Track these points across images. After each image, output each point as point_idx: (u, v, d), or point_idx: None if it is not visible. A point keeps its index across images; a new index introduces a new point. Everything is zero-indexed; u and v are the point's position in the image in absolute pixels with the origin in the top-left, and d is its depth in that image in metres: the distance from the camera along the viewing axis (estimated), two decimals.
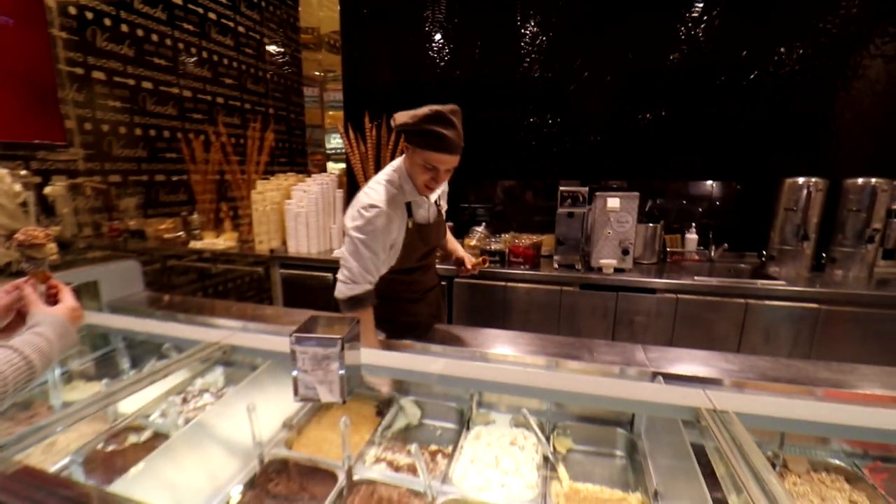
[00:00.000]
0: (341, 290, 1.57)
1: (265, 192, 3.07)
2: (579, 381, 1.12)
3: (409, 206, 1.61)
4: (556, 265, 2.79)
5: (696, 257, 2.98)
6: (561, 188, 2.73)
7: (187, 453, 1.10)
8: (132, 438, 1.36)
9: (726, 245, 2.95)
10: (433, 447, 1.33)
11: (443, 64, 3.49)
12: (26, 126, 1.84)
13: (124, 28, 2.35)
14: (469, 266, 1.87)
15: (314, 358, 0.81)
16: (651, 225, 2.86)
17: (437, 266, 2.11)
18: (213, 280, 3.26)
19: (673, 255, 3.00)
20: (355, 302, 1.55)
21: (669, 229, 3.07)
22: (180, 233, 3.46)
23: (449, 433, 1.43)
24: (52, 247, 0.96)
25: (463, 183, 3.64)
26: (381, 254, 1.55)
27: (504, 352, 1.43)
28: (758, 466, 0.70)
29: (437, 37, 3.48)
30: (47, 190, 2.81)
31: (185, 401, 1.58)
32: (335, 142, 3.94)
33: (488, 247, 2.83)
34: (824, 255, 2.69)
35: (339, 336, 0.81)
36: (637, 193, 2.62)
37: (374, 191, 1.54)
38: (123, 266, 1.99)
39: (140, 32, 2.46)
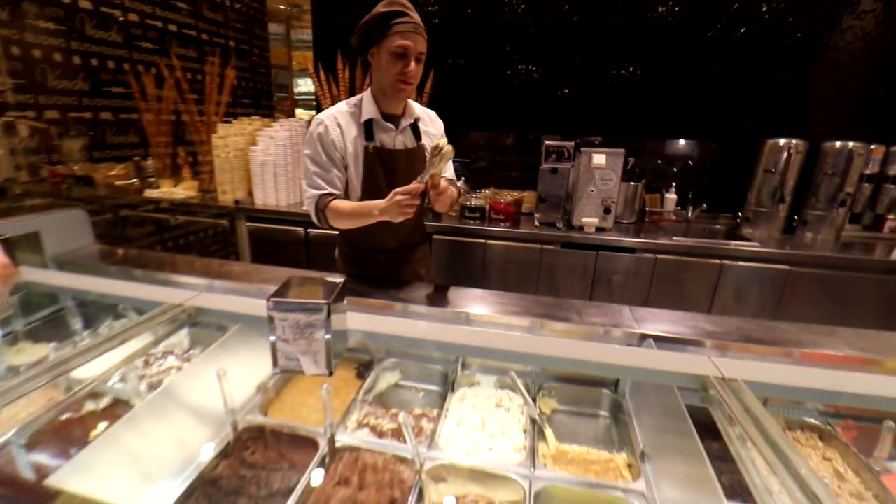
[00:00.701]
0: (308, 211, 1.53)
1: (227, 137, 2.81)
2: (576, 347, 1.07)
3: (369, 125, 1.48)
4: (537, 223, 2.74)
5: (674, 217, 2.99)
6: (546, 142, 2.63)
7: (153, 422, 1.02)
8: (89, 406, 1.26)
9: (704, 206, 2.97)
10: (417, 410, 1.29)
11: (423, 5, 3.21)
12: None
13: None
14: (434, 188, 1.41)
15: (296, 326, 0.72)
16: (633, 184, 2.83)
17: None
18: (173, 233, 3.04)
19: (651, 215, 2.99)
20: (318, 212, 1.48)
21: (648, 188, 3.05)
22: (133, 180, 3.17)
23: (432, 396, 1.39)
24: None
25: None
26: (331, 167, 1.47)
27: (487, 312, 1.37)
28: (776, 438, 0.68)
29: None
30: None
31: (147, 364, 1.47)
32: (305, 86, 3.63)
33: (468, 202, 2.73)
34: (796, 217, 2.74)
35: (324, 301, 0.71)
36: (622, 150, 2.55)
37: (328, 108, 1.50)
38: (69, 216, 1.78)
39: None
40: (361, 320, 1.09)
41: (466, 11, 3.18)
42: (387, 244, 1.65)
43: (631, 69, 3.05)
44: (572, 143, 2.62)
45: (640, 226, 2.87)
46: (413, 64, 1.37)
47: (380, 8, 1.36)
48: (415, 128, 1.58)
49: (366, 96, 1.50)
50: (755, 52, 2.82)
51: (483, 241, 2.67)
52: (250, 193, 2.93)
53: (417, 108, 1.62)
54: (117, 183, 3.05)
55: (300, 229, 2.84)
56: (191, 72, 2.95)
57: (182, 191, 2.97)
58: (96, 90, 2.51)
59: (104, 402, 1.27)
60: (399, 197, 1.27)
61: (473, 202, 2.74)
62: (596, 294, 2.63)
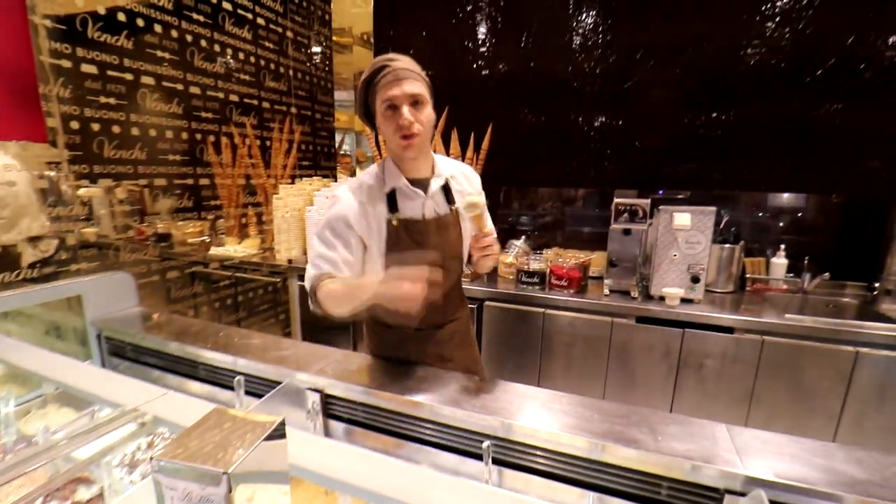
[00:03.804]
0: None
1: (286, 198, 2.85)
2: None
3: (392, 196, 1.29)
4: (606, 291, 2.36)
5: (785, 287, 2.44)
6: (616, 200, 2.30)
7: None
8: (81, 494, 1.13)
9: (827, 274, 2.39)
10: None
11: (484, 58, 3.15)
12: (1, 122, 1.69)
13: (121, 17, 2.18)
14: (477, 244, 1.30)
15: (188, 499, 0.50)
16: (727, 246, 2.37)
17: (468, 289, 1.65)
18: (227, 291, 3.09)
19: (754, 284, 2.48)
20: (313, 293, 1.25)
21: (749, 251, 2.55)
22: (205, 237, 3.33)
23: None
24: None
25: (503, 189, 3.27)
26: (341, 247, 1.26)
27: (531, 424, 1.06)
28: None
29: (479, 28, 3.15)
30: (83, 192, 2.75)
31: (151, 445, 1.34)
32: (367, 148, 3.70)
33: (526, 266, 2.44)
34: None
35: (221, 470, 0.48)
36: (713, 209, 2.15)
37: (343, 182, 1.30)
38: (114, 279, 1.80)
39: (140, 22, 2.29)
40: (334, 456, 0.85)
41: (530, 64, 3.05)
42: (407, 320, 1.32)
43: (720, 115, 2.67)
44: (647, 202, 2.27)
45: (739, 297, 2.37)
46: (407, 111, 1.18)
47: (364, 75, 1.23)
48: (446, 189, 1.36)
49: (388, 163, 1.32)
50: (880, 90, 2.32)
51: (542, 309, 2.34)
52: (305, 252, 2.91)
53: (448, 166, 1.42)
54: (189, 240, 3.20)
55: None
56: (255, 137, 3.12)
57: (243, 248, 3.04)
58: (193, 159, 2.71)
59: (93, 491, 1.14)
60: (405, 284, 1.02)
61: (533, 265, 2.45)
62: (683, 382, 2.15)
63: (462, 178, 1.44)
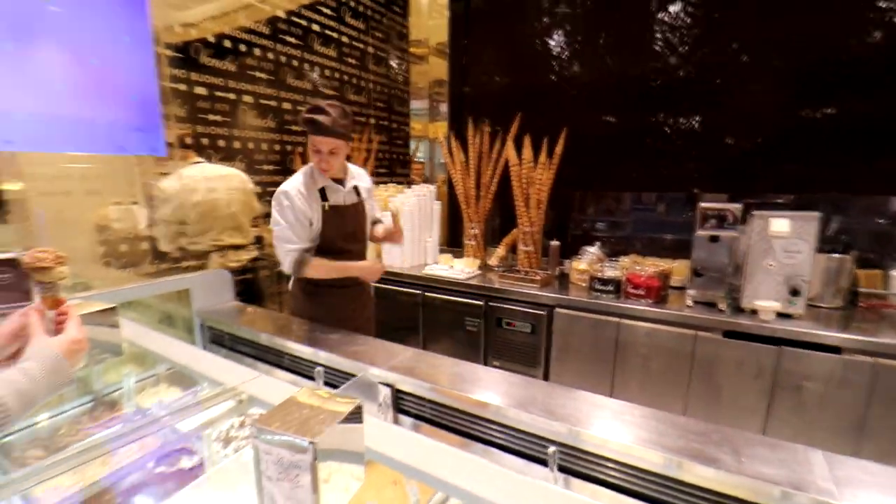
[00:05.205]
0: (285, 267, 1.85)
1: None
2: None
3: (323, 191, 1.86)
4: (690, 302, 2.21)
5: None
6: (702, 205, 2.15)
7: (221, 490, 0.98)
8: (185, 462, 1.29)
9: None
10: None
11: (559, 63, 3.12)
12: (130, 140, 1.97)
13: (227, 44, 2.44)
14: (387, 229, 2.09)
15: (279, 463, 0.56)
16: (836, 256, 2.11)
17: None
18: None
19: (869, 299, 2.18)
20: (297, 265, 1.82)
21: (862, 262, 2.25)
22: None
23: None
24: (61, 270, 0.86)
25: (577, 194, 3.19)
26: (298, 226, 1.80)
27: (600, 433, 1.03)
28: None
29: (555, 34, 3.12)
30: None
31: (242, 425, 1.49)
32: (439, 155, 3.80)
33: (601, 273, 2.36)
34: None
35: (309, 440, 0.54)
36: (816, 214, 1.93)
37: (288, 181, 1.85)
38: (214, 275, 2.03)
39: (243, 48, 2.55)
40: (414, 445, 0.89)
41: (607, 66, 2.96)
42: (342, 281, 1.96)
43: (829, 110, 2.40)
44: (739, 206, 2.10)
45: (849, 314, 2.10)
46: (326, 157, 1.77)
47: (307, 109, 1.73)
48: (356, 187, 1.97)
49: (315, 170, 1.85)
50: None
51: (617, 319, 2.25)
52: (379, 255, 3.05)
53: (356, 171, 2.02)
54: None
55: (418, 292, 2.81)
56: None
57: None
58: (284, 168, 2.98)
59: (194, 460, 1.29)
60: (380, 266, 1.99)
61: (607, 272, 2.36)
62: (777, 405, 1.95)
63: (360, 176, 2.03)
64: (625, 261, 2.51)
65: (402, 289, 2.88)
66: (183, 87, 2.23)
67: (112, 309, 1.08)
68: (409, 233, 2.93)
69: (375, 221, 2.16)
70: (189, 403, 1.24)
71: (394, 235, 2.07)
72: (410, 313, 2.86)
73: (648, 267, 2.29)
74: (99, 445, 1.08)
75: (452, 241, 3.55)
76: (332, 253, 1.89)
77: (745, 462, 0.92)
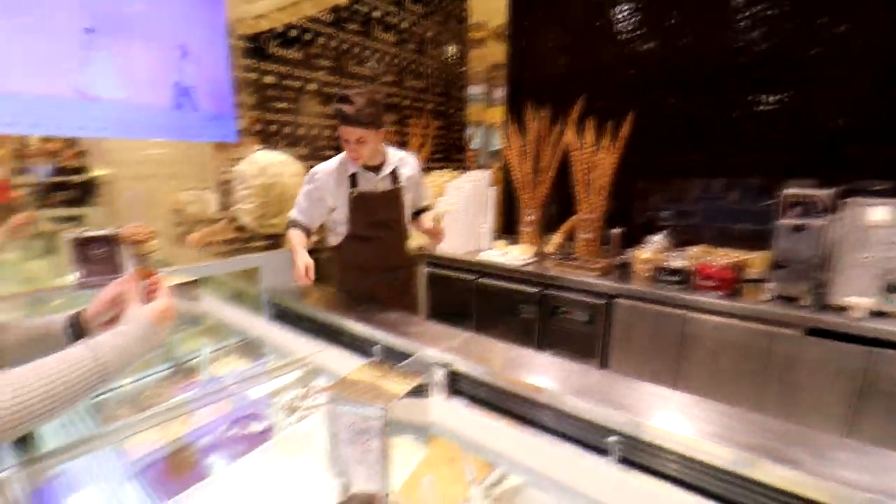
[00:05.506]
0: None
1: None
2: None
3: (354, 178, 1.87)
4: (768, 296, 2.04)
5: None
6: (786, 192, 1.97)
7: (283, 458, 1.04)
8: (254, 426, 1.38)
9: None
10: None
11: (626, 43, 2.95)
12: (207, 128, 2.10)
13: (293, 33, 2.53)
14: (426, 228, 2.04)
15: (351, 427, 0.58)
16: None
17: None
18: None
19: None
20: (288, 224, 1.92)
21: None
22: None
23: None
24: (153, 244, 0.94)
25: (641, 180, 3.03)
26: (308, 201, 1.91)
27: (664, 425, 0.98)
28: None
29: (621, 11, 2.95)
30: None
31: (305, 395, 1.56)
32: (496, 140, 3.74)
33: (667, 262, 2.24)
34: None
35: (381, 406, 0.56)
36: None
37: (325, 161, 1.91)
38: (282, 255, 2.13)
39: (308, 36, 2.63)
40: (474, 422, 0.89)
41: (678, 45, 2.76)
42: (371, 265, 2.01)
43: None
44: (829, 193, 1.90)
45: None
46: (354, 146, 1.75)
47: (335, 99, 1.73)
48: (394, 173, 1.93)
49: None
50: None
51: (683, 311, 2.12)
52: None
53: (397, 156, 1.97)
54: None
55: (472, 278, 2.80)
56: (395, 133, 3.39)
57: None
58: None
59: (263, 425, 1.38)
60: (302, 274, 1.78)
61: (674, 262, 2.23)
62: (866, 410, 1.76)
63: (405, 163, 1.99)
64: (694, 251, 2.36)
65: (455, 274, 2.90)
66: (253, 76, 2.35)
67: (194, 282, 1.16)
68: (464, 217, 2.93)
69: (422, 210, 2.13)
70: (260, 372, 1.32)
71: (434, 236, 2.03)
72: (463, 298, 2.87)
73: (721, 257, 2.13)
74: (181, 405, 1.18)
75: (507, 228, 3.50)
76: (358, 239, 1.94)
77: (826, 466, 0.84)
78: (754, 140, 2.61)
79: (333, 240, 2.03)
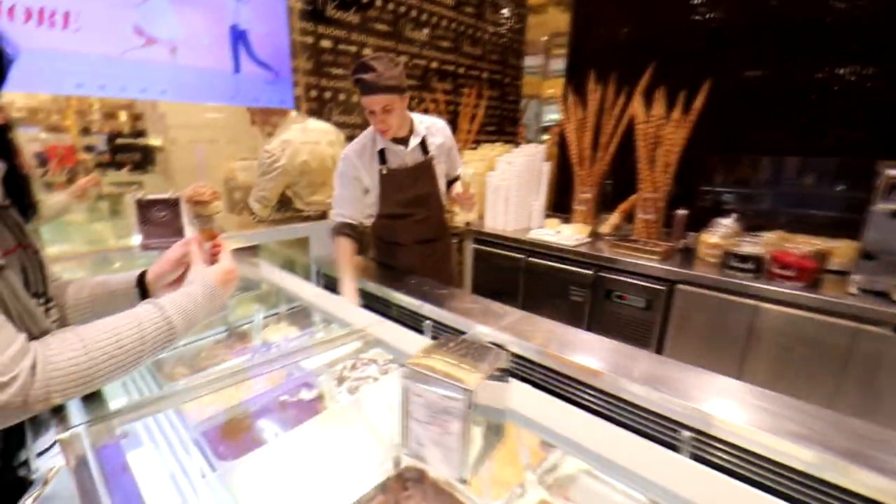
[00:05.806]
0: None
1: (469, 163, 2.96)
2: None
3: (383, 153, 1.77)
4: (854, 289, 1.85)
5: None
6: (888, 172, 1.75)
7: (335, 429, 1.04)
8: (304, 394, 1.39)
9: None
10: None
11: (700, 5, 2.68)
12: (264, 93, 2.09)
13: None
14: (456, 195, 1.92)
15: (430, 406, 0.54)
16: None
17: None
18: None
19: None
20: (333, 230, 1.82)
21: None
22: None
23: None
24: (217, 205, 0.93)
25: (710, 158, 2.79)
26: (347, 193, 1.81)
27: (744, 422, 0.89)
28: None
29: None
30: None
31: (354, 367, 1.57)
32: (552, 115, 3.57)
33: (738, 248, 2.06)
34: None
35: (467, 387, 0.51)
36: None
37: (353, 141, 1.81)
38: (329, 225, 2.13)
39: None
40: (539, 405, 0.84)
41: (761, 8, 2.48)
42: (405, 240, 1.96)
43: None
44: None
45: None
46: (381, 117, 1.63)
47: (353, 69, 1.61)
48: (423, 143, 1.82)
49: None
50: None
51: (754, 301, 1.96)
52: (482, 216, 3.00)
53: (424, 124, 1.85)
54: None
55: (521, 256, 2.72)
56: (445, 102, 3.28)
57: None
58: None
59: (313, 394, 1.39)
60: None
61: (746, 248, 2.06)
62: None
63: (435, 131, 1.88)
64: (769, 236, 2.17)
65: (503, 252, 2.82)
66: (310, 39, 2.31)
67: (254, 247, 1.16)
68: (515, 194, 2.83)
69: (455, 179, 2.02)
70: (320, 341, 1.32)
71: (464, 202, 1.90)
72: (510, 277, 2.80)
73: (802, 244, 1.94)
74: (243, 370, 1.20)
75: (559, 207, 3.37)
76: (391, 218, 1.88)
77: None
78: (844, 116, 2.33)
79: (367, 220, 1.97)
